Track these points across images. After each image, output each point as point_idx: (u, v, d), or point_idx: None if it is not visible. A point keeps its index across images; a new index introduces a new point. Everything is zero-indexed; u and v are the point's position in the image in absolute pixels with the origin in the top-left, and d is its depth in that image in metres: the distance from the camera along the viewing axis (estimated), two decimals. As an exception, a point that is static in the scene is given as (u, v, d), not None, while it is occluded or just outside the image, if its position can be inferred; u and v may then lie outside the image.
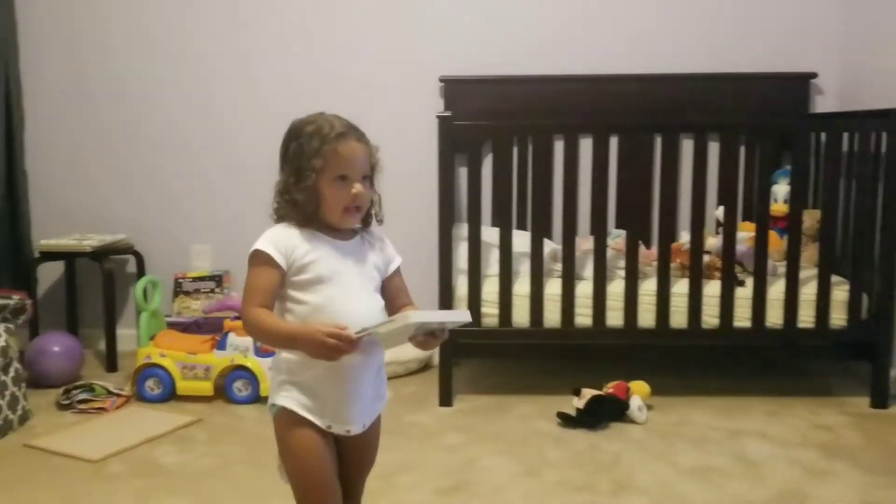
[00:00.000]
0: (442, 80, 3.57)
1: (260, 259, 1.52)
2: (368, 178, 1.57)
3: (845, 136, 3.06)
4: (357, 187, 1.53)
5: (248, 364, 3.01)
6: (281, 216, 1.57)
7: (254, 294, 1.51)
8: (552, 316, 3.01)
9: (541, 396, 3.05)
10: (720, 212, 3.17)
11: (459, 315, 1.51)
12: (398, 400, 3.06)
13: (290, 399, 1.55)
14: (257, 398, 3.02)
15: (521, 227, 3.47)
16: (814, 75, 3.54)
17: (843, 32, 3.54)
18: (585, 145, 3.32)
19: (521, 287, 3.02)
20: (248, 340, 3.03)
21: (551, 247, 3.24)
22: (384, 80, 3.62)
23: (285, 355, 1.56)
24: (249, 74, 3.65)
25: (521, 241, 3.10)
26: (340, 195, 1.53)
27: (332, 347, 1.43)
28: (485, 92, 3.57)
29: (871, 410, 2.96)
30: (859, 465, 2.49)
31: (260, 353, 3.02)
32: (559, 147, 3.04)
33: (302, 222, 1.55)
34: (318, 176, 1.52)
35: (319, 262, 1.54)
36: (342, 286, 1.55)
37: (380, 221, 1.64)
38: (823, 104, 3.56)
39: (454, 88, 3.56)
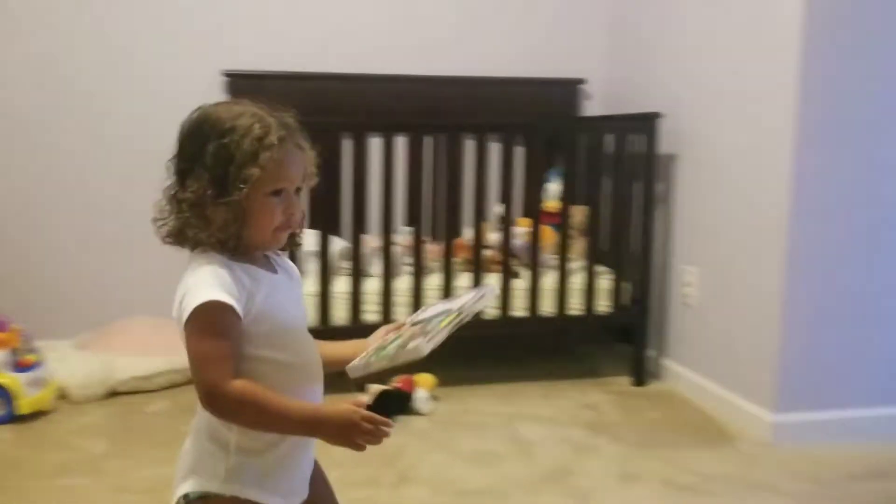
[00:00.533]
0: (225, 74, 3.50)
1: (215, 313, 1.17)
2: (299, 189, 1.28)
3: (609, 137, 3.34)
4: (294, 202, 1.26)
5: (2, 381, 2.75)
6: (194, 240, 1.23)
7: (221, 363, 1.16)
8: (340, 313, 3.06)
9: (327, 395, 3.08)
10: (500, 209, 3.35)
11: (487, 292, 1.39)
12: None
13: (247, 484, 1.24)
14: (12, 418, 2.75)
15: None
16: (582, 81, 3.83)
17: (609, 42, 3.85)
18: (374, 144, 3.40)
19: (308, 286, 3.04)
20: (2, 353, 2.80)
21: (341, 245, 3.29)
22: (164, 72, 3.51)
23: (236, 428, 1.23)
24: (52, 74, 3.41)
25: (309, 239, 3.12)
26: (274, 213, 1.23)
27: (369, 432, 1.19)
28: (269, 88, 3.53)
29: (632, 388, 3.27)
30: (620, 439, 2.74)
31: (18, 367, 2.80)
32: (347, 146, 3.08)
33: (228, 249, 1.23)
34: (251, 189, 1.20)
35: (272, 304, 1.24)
36: (299, 333, 1.30)
37: (299, 245, 1.35)
38: (591, 108, 3.86)
39: (237, 84, 3.51)
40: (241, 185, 1.19)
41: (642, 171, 3.22)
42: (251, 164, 1.20)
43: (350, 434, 1.18)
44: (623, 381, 3.31)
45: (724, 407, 2.91)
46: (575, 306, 3.23)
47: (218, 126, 1.22)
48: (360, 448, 1.20)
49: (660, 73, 3.41)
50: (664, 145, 3.26)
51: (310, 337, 1.34)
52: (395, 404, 2.90)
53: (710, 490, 2.39)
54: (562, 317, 3.22)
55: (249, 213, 1.22)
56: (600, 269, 3.28)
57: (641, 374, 3.29)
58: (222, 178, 1.20)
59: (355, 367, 1.26)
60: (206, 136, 1.22)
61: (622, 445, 2.70)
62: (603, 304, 3.26)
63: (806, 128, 2.59)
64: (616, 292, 3.26)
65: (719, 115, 3.01)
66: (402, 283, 3.13)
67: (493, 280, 3.15)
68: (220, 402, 1.17)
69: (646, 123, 3.20)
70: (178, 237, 1.24)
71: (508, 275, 3.16)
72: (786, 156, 2.63)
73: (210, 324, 1.17)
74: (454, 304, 1.35)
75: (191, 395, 1.22)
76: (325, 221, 3.09)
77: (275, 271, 1.31)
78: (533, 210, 3.24)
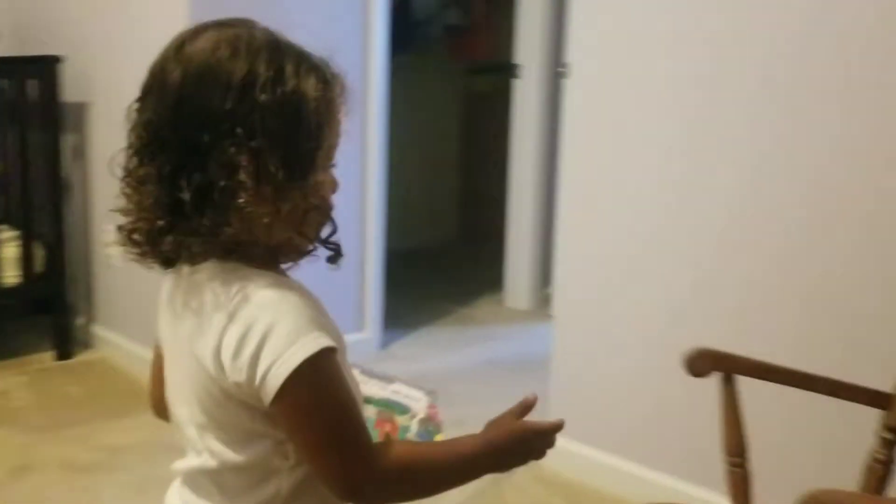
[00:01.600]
0: None
1: (331, 366, 0.81)
2: None
3: (5, 82, 2.90)
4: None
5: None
6: (233, 244, 0.82)
7: (359, 431, 0.83)
8: None
9: None
10: None
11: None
12: None
13: None
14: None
15: None
16: (-25, 18, 3.29)
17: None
18: None
19: None
20: None
21: None
22: None
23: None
24: None
25: None
26: (330, 194, 0.88)
27: (548, 446, 0.93)
28: None
29: (56, 364, 2.95)
30: (22, 427, 2.44)
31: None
32: None
33: (270, 261, 0.86)
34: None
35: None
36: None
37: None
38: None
39: None
40: (316, 157, 0.83)
41: (40, 117, 2.87)
42: (328, 122, 0.83)
43: (528, 452, 0.93)
44: (46, 358, 2.97)
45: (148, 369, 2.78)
46: (-26, 279, 2.79)
47: (277, 61, 0.81)
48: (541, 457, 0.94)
49: (69, 13, 3.06)
50: (73, 92, 2.94)
51: None
52: None
53: (116, 464, 2.24)
54: (-43, 293, 2.75)
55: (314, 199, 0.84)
56: (8, 233, 2.87)
57: (67, 346, 2.99)
58: (311, 152, 0.82)
59: None
60: (243, 86, 0.79)
61: (23, 433, 2.39)
62: (11, 274, 2.86)
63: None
64: (25, 258, 2.88)
65: (123, 61, 2.79)
66: None
67: None
68: (382, 485, 0.83)
69: (43, 67, 2.84)
70: (179, 249, 0.82)
71: None
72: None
73: (330, 380, 0.81)
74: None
75: None
76: None
77: None
78: None
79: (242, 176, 0.79)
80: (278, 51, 0.82)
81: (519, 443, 0.92)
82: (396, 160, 4.57)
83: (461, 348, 3.13)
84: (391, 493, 0.87)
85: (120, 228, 0.87)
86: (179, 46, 0.83)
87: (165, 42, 0.87)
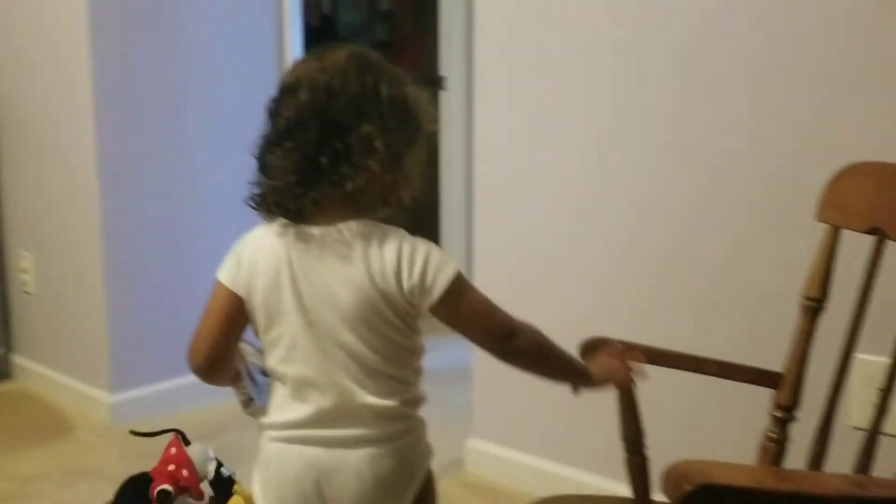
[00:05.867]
0: None
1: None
2: None
3: None
4: None
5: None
6: (355, 197, 1.08)
7: (499, 307, 1.13)
8: None
9: None
10: None
11: None
12: None
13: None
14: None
15: None
16: None
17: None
18: None
19: None
20: None
21: None
22: None
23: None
24: None
25: None
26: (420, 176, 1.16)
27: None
28: None
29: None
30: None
31: None
32: None
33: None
34: None
35: None
36: None
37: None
38: None
39: None
40: (417, 141, 1.12)
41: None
42: (422, 119, 1.13)
43: (614, 371, 1.21)
44: None
45: (69, 397, 2.70)
46: None
47: (382, 71, 1.10)
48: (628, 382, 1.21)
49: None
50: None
51: None
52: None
53: (28, 493, 2.16)
54: None
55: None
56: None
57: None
58: (402, 130, 1.09)
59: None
60: (374, 83, 1.08)
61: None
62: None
63: (102, 107, 2.49)
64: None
65: (31, 86, 2.74)
66: None
67: None
68: (519, 340, 1.13)
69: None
70: (308, 201, 1.07)
71: None
72: (88, 135, 2.50)
73: (470, 284, 1.11)
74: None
75: None
76: None
77: None
78: None
79: (377, 143, 1.04)
80: (388, 66, 1.12)
81: (609, 360, 1.21)
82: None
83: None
84: (522, 353, 1.14)
85: (256, 193, 1.09)
86: (321, 57, 1.09)
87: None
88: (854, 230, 1.20)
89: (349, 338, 1.07)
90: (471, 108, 3.48)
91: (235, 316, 1.11)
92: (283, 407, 1.12)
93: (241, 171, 1.15)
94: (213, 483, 1.82)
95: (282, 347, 1.10)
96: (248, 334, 1.15)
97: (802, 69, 1.69)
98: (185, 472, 1.77)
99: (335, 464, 1.09)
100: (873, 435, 1.15)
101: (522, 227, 2.14)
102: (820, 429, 1.24)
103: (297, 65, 1.12)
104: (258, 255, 1.10)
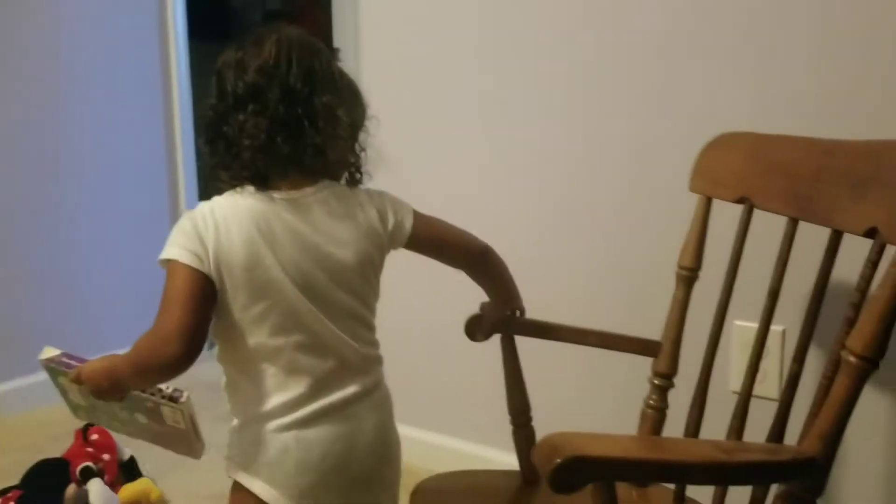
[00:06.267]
0: None
1: None
2: None
3: None
4: None
5: None
6: (331, 164, 1.11)
7: None
8: None
9: None
10: None
11: None
12: None
13: None
14: None
15: None
16: None
17: None
18: None
19: None
20: None
21: None
22: None
23: None
24: None
25: None
26: None
27: None
28: None
29: None
30: None
31: None
32: None
33: None
34: None
35: None
36: None
37: None
38: None
39: None
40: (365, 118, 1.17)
41: None
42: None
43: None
44: None
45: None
46: None
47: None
48: None
49: None
50: None
51: None
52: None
53: None
54: None
55: None
56: None
57: None
58: (356, 105, 1.14)
59: None
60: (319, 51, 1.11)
61: None
62: None
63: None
64: None
65: None
66: None
67: None
68: (491, 248, 1.30)
69: None
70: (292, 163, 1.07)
71: None
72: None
73: None
74: None
75: None
76: None
77: None
78: None
79: (340, 112, 1.05)
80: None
81: None
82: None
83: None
84: (498, 256, 1.29)
85: (218, 161, 1.06)
86: (261, 38, 1.07)
87: None
88: (724, 200, 1.21)
89: (342, 294, 1.07)
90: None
91: (205, 297, 1.02)
92: (280, 387, 1.06)
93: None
94: (121, 466, 1.98)
95: (273, 319, 1.04)
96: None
97: (671, 42, 1.70)
98: (106, 457, 1.94)
99: (351, 437, 1.10)
100: (746, 399, 1.17)
101: (413, 196, 2.10)
102: (695, 395, 1.26)
103: (238, 46, 1.09)
104: (229, 228, 1.02)
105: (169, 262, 1.02)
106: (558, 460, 0.77)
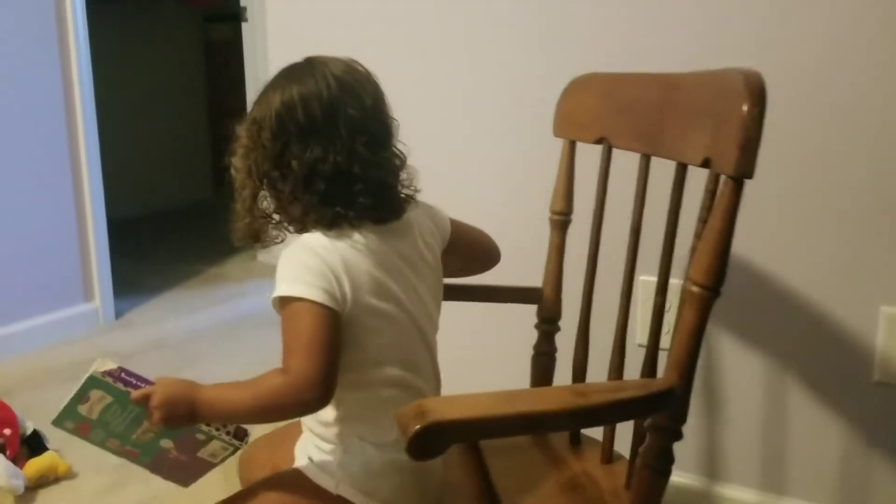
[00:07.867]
0: None
1: None
2: None
3: None
4: None
5: None
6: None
7: None
8: None
9: None
10: None
11: None
12: None
13: None
14: None
15: None
16: None
17: None
18: None
19: None
20: None
21: None
22: None
23: None
24: None
25: None
26: None
27: None
28: None
29: None
30: None
31: None
32: None
33: None
34: None
35: None
36: None
37: None
38: None
39: None
40: None
41: None
42: None
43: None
44: None
45: None
46: None
47: None
48: None
49: None
50: None
51: None
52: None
53: None
54: None
55: None
56: None
57: None
58: None
59: None
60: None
61: None
62: None
63: None
64: None
65: None
66: None
67: None
68: None
69: None
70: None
71: None
72: None
73: None
74: None
75: None
76: None
77: None
78: None
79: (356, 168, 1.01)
80: None
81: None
82: (133, 117, 4.31)
83: (207, 308, 3.00)
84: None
85: (349, 200, 1.01)
86: (323, 66, 1.03)
87: None
88: (585, 142, 1.20)
89: (432, 317, 1.10)
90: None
91: (339, 337, 0.98)
92: (387, 411, 0.95)
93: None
94: (24, 441, 1.92)
95: (396, 349, 1.04)
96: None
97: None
98: (7, 431, 1.88)
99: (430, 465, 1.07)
100: (620, 345, 1.16)
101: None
102: (576, 340, 1.27)
103: (320, 78, 1.03)
104: (352, 263, 0.99)
105: (297, 301, 0.96)
106: (416, 427, 0.76)
